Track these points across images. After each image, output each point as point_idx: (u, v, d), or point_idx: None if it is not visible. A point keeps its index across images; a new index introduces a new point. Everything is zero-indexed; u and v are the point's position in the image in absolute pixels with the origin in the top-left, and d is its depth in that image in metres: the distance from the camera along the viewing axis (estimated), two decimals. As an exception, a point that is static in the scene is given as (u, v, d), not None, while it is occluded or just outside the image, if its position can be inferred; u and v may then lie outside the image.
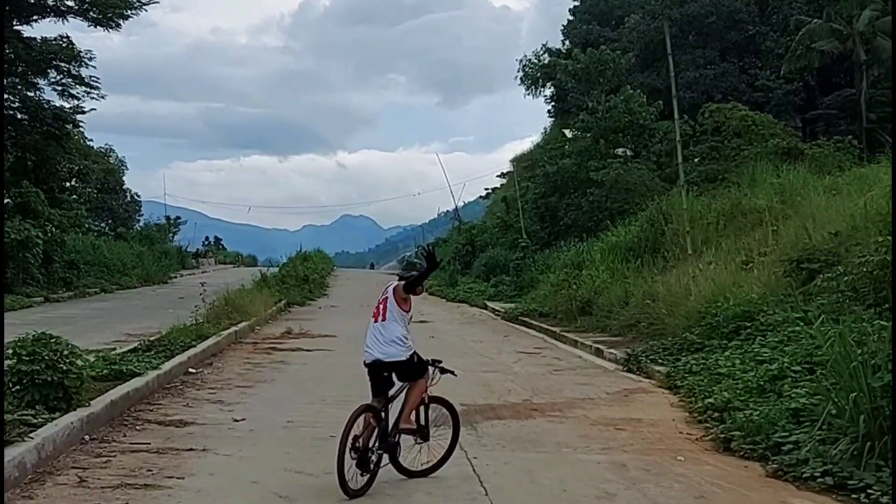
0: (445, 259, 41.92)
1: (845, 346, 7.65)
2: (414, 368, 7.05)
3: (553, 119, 52.93)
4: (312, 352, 15.80)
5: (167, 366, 11.90)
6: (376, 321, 7.05)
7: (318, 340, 17.59)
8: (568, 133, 40.35)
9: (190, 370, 12.66)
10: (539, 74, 46.64)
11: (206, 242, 72.48)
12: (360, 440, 6.67)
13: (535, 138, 60.17)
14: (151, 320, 19.08)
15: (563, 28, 51.19)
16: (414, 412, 7.12)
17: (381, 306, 7.09)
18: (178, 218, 65.44)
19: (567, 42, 48.56)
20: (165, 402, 10.27)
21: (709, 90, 36.30)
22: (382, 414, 6.96)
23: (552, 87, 47.06)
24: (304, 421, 9.33)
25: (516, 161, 65.31)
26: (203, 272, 45.58)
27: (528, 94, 47.46)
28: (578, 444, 8.51)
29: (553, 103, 49.42)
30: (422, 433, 7.17)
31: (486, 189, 68.48)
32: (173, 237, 61.15)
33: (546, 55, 46.86)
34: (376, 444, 6.84)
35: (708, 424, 9.00)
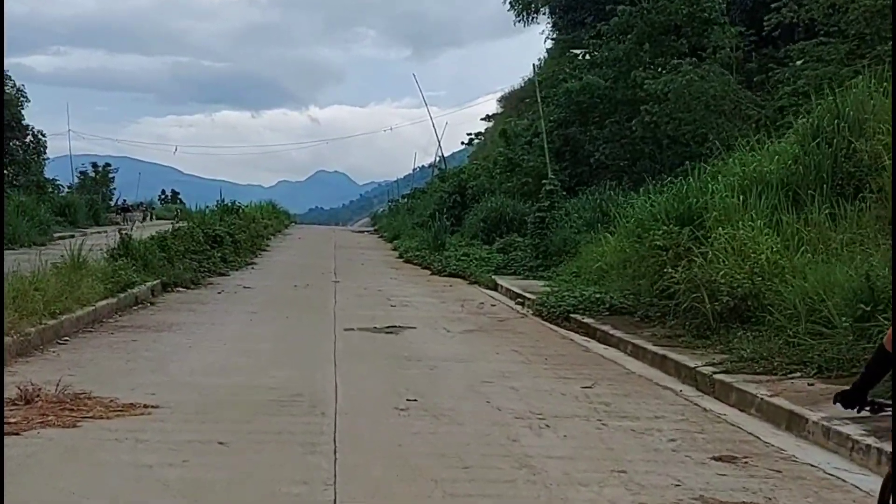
0: (427, 213, 31.68)
1: None
2: None
3: (554, 44, 42.32)
4: None
5: None
6: None
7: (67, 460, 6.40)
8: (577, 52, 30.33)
9: None
10: (533, -3, 40.23)
11: (163, 197, 63.88)
12: None
13: (522, 77, 50.37)
14: None
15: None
16: None
17: None
18: (109, 166, 56.57)
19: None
20: None
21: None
22: None
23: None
24: None
25: (505, 101, 55.17)
26: (98, 232, 32.31)
27: (520, 21, 42.45)
28: None
29: (558, 16, 38.94)
30: None
31: (469, 135, 58.15)
32: (107, 189, 53.06)
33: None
34: None
35: None
